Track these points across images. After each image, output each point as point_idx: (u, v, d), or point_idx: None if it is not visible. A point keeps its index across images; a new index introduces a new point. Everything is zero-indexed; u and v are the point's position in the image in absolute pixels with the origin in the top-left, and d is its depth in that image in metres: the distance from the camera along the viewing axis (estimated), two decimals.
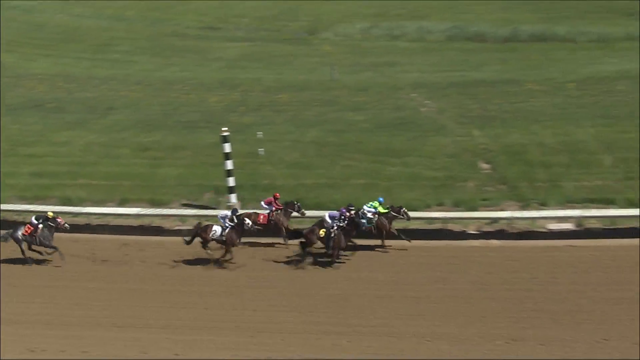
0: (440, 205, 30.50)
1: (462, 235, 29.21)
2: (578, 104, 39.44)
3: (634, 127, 34.80)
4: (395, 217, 28.61)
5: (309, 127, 39.64)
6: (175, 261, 28.55)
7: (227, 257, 28.23)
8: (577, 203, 29.63)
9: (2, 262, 29.05)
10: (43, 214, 29.44)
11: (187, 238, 28.50)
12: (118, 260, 29.04)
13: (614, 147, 33.17)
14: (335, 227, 27.68)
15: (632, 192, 29.49)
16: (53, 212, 29.49)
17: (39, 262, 29.05)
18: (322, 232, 27.73)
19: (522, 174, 32.11)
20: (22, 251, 29.07)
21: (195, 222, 29.33)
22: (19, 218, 31.49)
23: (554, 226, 28.92)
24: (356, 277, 27.00)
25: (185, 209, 32.00)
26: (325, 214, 28.13)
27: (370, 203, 28.51)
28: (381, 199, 28.85)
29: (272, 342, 23.43)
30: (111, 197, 32.97)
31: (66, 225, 29.20)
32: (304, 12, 69.01)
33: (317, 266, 27.63)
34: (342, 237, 27.65)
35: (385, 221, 28.49)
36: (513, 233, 28.84)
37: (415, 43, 58.72)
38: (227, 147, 31.40)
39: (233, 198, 31.56)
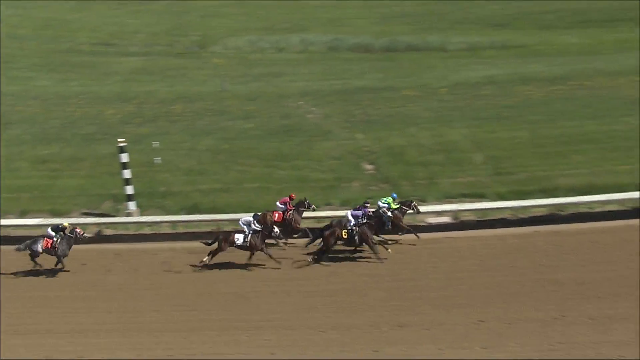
0: (328, 205, 30.77)
1: None
2: (450, 108, 40.22)
3: (501, 127, 35.74)
4: (406, 212, 28.46)
5: (203, 135, 39.47)
6: (77, 267, 28.12)
7: (273, 261, 27.19)
8: (453, 198, 30.30)
9: None
10: (59, 224, 28.17)
11: (209, 241, 27.56)
12: (22, 269, 28.40)
13: (483, 146, 34.00)
14: (357, 225, 27.23)
15: (501, 186, 30.33)
16: (67, 223, 28.35)
17: None
18: (344, 233, 27.25)
19: (402, 173, 32.64)
20: (35, 263, 27.86)
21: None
22: None
23: (433, 220, 29.51)
24: (251, 275, 27.04)
25: (86, 217, 31.50)
26: (348, 213, 27.71)
27: (384, 199, 28.30)
28: (394, 195, 28.65)
29: (174, 341, 23.28)
30: (11, 209, 32.17)
31: (85, 235, 28.15)
32: (195, 28, 68.57)
33: (215, 268, 27.56)
34: (368, 232, 27.16)
35: (400, 216, 28.32)
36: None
37: (299, 54, 59.04)
38: (125, 157, 31.05)
39: (132, 206, 31.22)
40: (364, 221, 27.36)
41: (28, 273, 28.03)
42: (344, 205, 30.37)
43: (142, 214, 31.03)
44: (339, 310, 24.51)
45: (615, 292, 24.25)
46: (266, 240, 27.31)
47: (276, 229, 27.16)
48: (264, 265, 27.33)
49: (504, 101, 40.18)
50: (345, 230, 27.20)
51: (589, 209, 28.89)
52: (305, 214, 29.06)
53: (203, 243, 27.75)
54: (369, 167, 33.94)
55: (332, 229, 27.39)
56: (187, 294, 26.06)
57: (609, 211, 28.66)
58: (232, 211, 30.02)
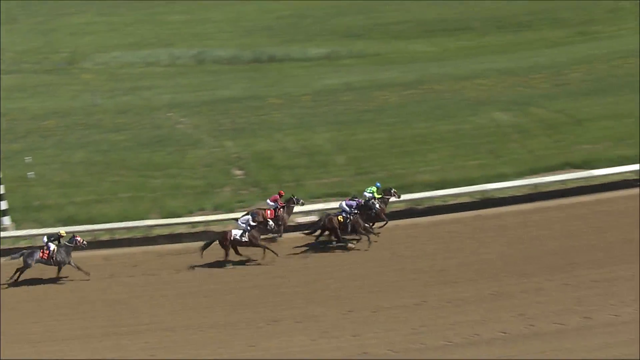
0: (202, 210, 30.59)
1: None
2: (313, 113, 40.62)
3: (361, 130, 36.31)
4: (388, 200, 28.48)
5: (76, 149, 38.57)
6: None
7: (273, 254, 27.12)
8: (319, 198, 30.60)
9: None
10: (54, 234, 26.99)
11: (207, 242, 27.17)
12: None
13: (345, 148, 34.49)
14: (351, 214, 27.39)
15: (363, 185, 30.76)
16: (64, 231, 27.25)
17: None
18: (340, 218, 27.42)
19: (270, 176, 32.76)
20: (21, 273, 26.51)
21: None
22: None
23: (302, 219, 29.73)
24: (128, 282, 26.63)
25: None
26: (342, 202, 27.78)
27: (369, 189, 28.25)
28: (378, 184, 28.68)
29: (55, 350, 22.66)
30: None
31: (84, 242, 26.98)
32: (64, 45, 66.94)
33: (94, 277, 26.97)
34: (360, 220, 27.36)
35: (383, 205, 28.32)
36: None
37: (167, 68, 58.47)
38: None
39: (6, 220, 30.22)
40: (356, 211, 27.53)
41: None
42: (217, 209, 30.25)
43: (17, 228, 30.07)
44: (216, 310, 24.40)
45: (470, 277, 25.04)
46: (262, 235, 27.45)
47: (271, 222, 27.15)
48: (141, 272, 26.97)
49: (362, 106, 40.84)
50: (341, 216, 27.43)
51: (443, 202, 29.72)
52: (295, 209, 29.06)
53: (202, 248, 27.14)
54: (238, 172, 33.91)
55: (330, 216, 27.56)
56: (69, 303, 25.39)
57: (460, 203, 29.55)
58: (109, 221, 29.50)
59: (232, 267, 26.98)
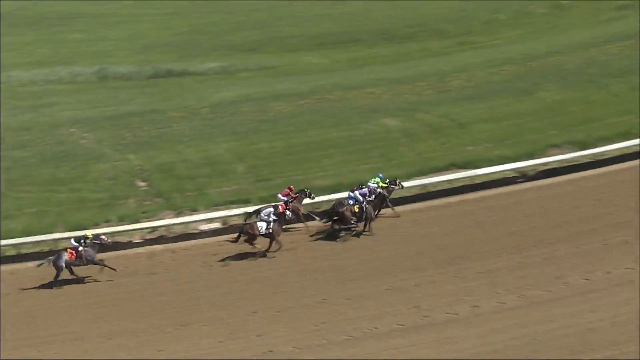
0: (107, 222, 29.99)
1: (129, 245, 28.95)
2: (212, 125, 40.29)
3: (259, 139, 36.11)
4: (393, 190, 28.59)
5: None
6: None
7: (275, 247, 27.11)
8: (221, 205, 30.40)
9: None
10: (81, 236, 26.71)
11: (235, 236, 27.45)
12: None
13: (244, 157, 34.31)
14: (365, 203, 27.58)
15: (263, 191, 30.79)
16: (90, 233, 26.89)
17: None
18: (356, 208, 27.55)
19: (173, 187, 32.35)
20: (58, 276, 26.03)
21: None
22: None
23: (205, 227, 29.51)
24: (37, 295, 25.92)
25: None
26: (356, 192, 27.81)
27: (373, 180, 28.42)
28: (381, 175, 28.78)
29: None
30: None
31: (109, 240, 26.95)
32: None
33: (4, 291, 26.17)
34: (372, 210, 27.69)
35: (388, 195, 28.46)
36: (171, 237, 29.05)
37: (69, 85, 57.01)
38: None
39: None
40: (370, 199, 27.80)
41: None
42: (122, 220, 29.72)
43: None
44: (125, 318, 24.02)
45: (367, 274, 25.35)
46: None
47: (288, 213, 27.33)
48: (47, 284, 26.30)
49: (259, 116, 40.74)
50: (357, 205, 27.61)
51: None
52: (305, 201, 28.95)
53: (230, 241, 27.58)
54: (142, 184, 33.38)
55: (347, 206, 27.59)
56: None
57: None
58: (15, 236, 28.65)
59: (132, 276, 26.58)
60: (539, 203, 29.07)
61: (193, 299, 24.77)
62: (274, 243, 27.18)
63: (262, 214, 27.51)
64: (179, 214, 30.10)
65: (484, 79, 42.85)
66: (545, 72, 42.09)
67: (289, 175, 32.21)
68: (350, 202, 27.89)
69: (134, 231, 29.17)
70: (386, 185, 28.79)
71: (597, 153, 31.68)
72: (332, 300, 23.93)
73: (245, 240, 27.08)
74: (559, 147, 32.41)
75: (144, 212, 30.13)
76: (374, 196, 28.14)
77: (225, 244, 28.10)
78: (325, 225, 28.14)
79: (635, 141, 32.00)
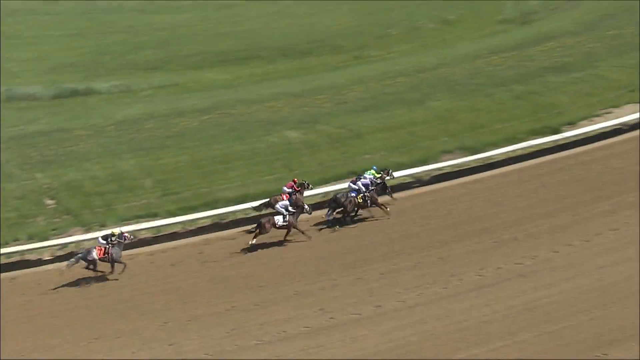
0: (16, 241, 29.08)
1: (39, 263, 28.16)
2: (118, 142, 39.58)
3: (165, 155, 35.64)
4: (385, 179, 29.44)
5: None
6: None
7: (288, 237, 27.76)
8: (129, 220, 29.89)
9: None
10: (108, 234, 26.70)
11: (252, 226, 27.92)
12: None
13: (151, 173, 33.82)
14: (368, 191, 28.62)
15: (170, 205, 30.45)
16: (118, 230, 26.89)
17: None
18: (359, 199, 28.45)
19: (82, 203, 31.61)
20: (95, 269, 26.30)
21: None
22: None
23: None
24: None
25: None
26: (359, 182, 28.66)
27: (368, 172, 29.28)
28: (375, 167, 29.64)
29: None
30: None
31: (133, 237, 26.98)
32: None
33: None
34: (376, 196, 28.79)
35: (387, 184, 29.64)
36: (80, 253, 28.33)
37: None
38: None
39: None
40: (372, 189, 28.73)
41: None
42: (31, 238, 28.88)
43: None
44: (37, 335, 23.31)
45: (275, 280, 25.34)
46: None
47: (307, 206, 28.00)
48: None
49: (165, 132, 40.22)
50: (361, 196, 28.53)
51: (245, 215, 29.79)
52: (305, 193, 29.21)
53: (246, 231, 27.98)
54: (50, 202, 32.48)
55: (350, 197, 28.43)
56: None
57: (261, 214, 29.74)
58: None
59: (46, 293, 25.87)
60: (434, 206, 29.65)
61: (106, 313, 24.27)
62: (288, 234, 27.83)
63: (277, 207, 27.83)
64: (88, 230, 29.44)
65: (378, 91, 43.47)
66: (435, 83, 43.01)
67: (195, 189, 31.96)
68: (353, 194, 28.68)
69: (44, 248, 28.38)
70: (380, 175, 29.56)
71: (486, 157, 32.54)
72: (241, 306, 23.82)
73: (260, 233, 27.40)
74: (450, 153, 33.16)
75: (53, 230, 29.38)
76: (374, 186, 29.05)
77: (130, 257, 27.59)
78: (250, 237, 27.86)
79: (521, 145, 33.08)
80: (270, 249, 27.54)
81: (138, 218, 29.90)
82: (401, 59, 53.80)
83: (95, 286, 26.05)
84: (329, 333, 22.04)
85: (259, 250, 27.48)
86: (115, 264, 26.54)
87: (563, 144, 33.50)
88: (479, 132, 34.82)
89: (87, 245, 28.13)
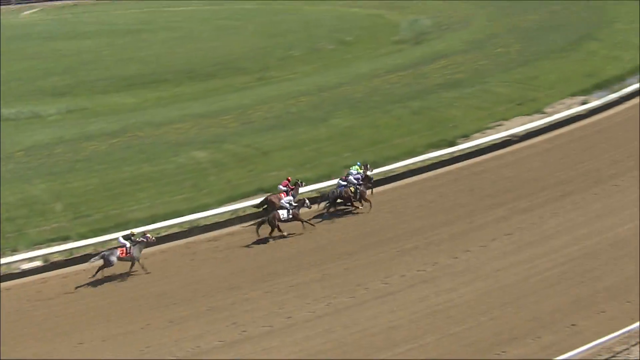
0: None
1: None
2: (27, 167, 38.46)
3: (75, 178, 34.72)
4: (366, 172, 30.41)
5: None
6: None
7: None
8: (41, 244, 29.02)
9: None
10: (127, 234, 26.74)
11: (257, 221, 28.31)
12: None
13: (61, 196, 32.95)
14: (359, 185, 29.78)
15: (82, 227, 29.75)
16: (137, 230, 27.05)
17: None
18: (352, 189, 29.69)
19: None
20: (101, 270, 26.16)
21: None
22: None
23: (26, 266, 28.04)
24: None
25: None
26: (350, 177, 29.84)
27: (353, 168, 30.33)
28: (359, 163, 30.75)
29: None
30: None
31: (154, 238, 27.01)
32: None
33: None
34: (365, 190, 29.93)
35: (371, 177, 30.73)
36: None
37: None
38: None
39: None
40: (362, 182, 29.85)
41: None
42: None
43: None
44: None
45: (188, 296, 25.05)
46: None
47: (307, 201, 29.05)
48: None
49: (74, 156, 39.30)
50: (352, 188, 29.71)
51: (157, 234, 29.29)
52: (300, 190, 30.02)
53: (253, 224, 28.45)
54: None
55: (343, 187, 29.70)
56: None
57: (172, 234, 29.41)
58: None
59: None
60: (340, 218, 29.89)
61: (18, 337, 23.43)
62: (304, 224, 28.67)
63: (282, 202, 28.60)
64: None
65: (282, 110, 43.67)
66: (336, 101, 43.51)
67: (105, 211, 31.31)
68: (342, 187, 29.76)
69: None
70: (362, 169, 30.52)
71: (387, 170, 33.06)
72: (155, 324, 23.44)
73: (269, 224, 28.11)
74: None
75: None
76: (361, 180, 30.06)
77: (42, 281, 26.78)
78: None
79: (419, 158, 33.79)
80: (180, 268, 27.19)
81: (50, 242, 29.10)
82: (303, 79, 54.23)
83: (5, 312, 25.09)
84: (242, 346, 21.92)
85: (168, 270, 27.05)
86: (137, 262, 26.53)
87: (458, 156, 34.39)
88: (380, 147, 35.37)
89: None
